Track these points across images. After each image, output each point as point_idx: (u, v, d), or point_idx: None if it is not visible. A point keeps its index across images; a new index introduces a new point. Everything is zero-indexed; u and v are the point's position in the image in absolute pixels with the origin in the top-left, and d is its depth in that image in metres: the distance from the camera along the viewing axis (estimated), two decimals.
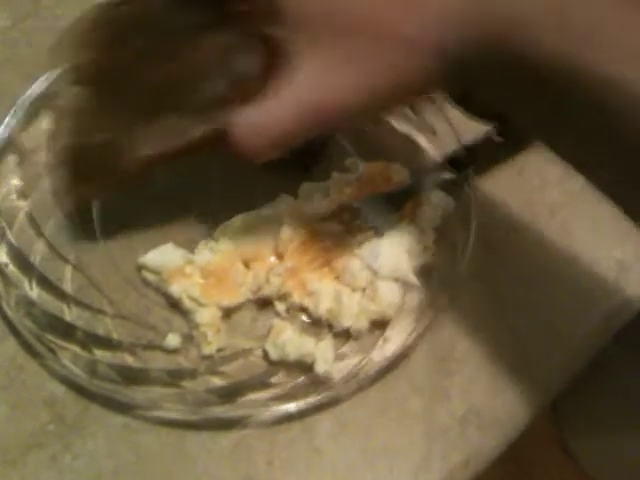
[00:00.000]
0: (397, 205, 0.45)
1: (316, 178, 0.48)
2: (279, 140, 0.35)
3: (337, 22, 0.32)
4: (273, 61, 0.34)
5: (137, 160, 0.38)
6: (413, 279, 0.44)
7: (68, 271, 0.44)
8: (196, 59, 0.38)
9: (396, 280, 0.43)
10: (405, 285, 0.44)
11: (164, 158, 0.38)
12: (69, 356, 0.40)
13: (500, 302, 0.46)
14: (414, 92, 0.36)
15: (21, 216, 0.46)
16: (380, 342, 0.42)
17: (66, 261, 0.44)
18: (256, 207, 0.46)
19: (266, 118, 0.34)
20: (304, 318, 0.43)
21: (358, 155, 0.49)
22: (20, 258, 0.44)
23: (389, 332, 0.43)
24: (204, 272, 0.43)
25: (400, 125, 0.51)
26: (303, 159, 0.49)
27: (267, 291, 0.43)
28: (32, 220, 0.46)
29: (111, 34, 0.40)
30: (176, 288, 0.42)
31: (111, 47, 0.40)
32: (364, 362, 0.41)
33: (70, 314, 0.43)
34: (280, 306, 0.43)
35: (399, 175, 0.47)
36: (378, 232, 0.44)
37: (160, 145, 0.38)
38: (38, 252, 0.45)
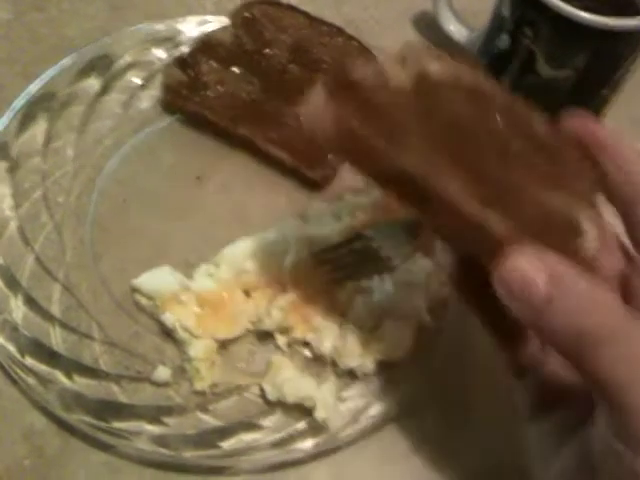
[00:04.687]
0: (413, 236, 0.42)
1: (326, 197, 0.45)
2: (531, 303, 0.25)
3: None
4: None
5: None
6: (426, 317, 0.40)
7: (56, 290, 0.41)
8: None
9: (407, 319, 0.40)
10: (417, 324, 0.40)
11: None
12: (50, 385, 0.37)
13: None
14: None
15: (11, 227, 0.43)
16: (386, 386, 0.39)
17: (55, 279, 0.41)
18: (261, 229, 0.43)
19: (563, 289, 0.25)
20: (306, 353, 0.40)
21: None
22: (7, 274, 0.41)
23: (397, 376, 0.39)
24: (201, 300, 0.40)
25: None
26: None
27: (268, 324, 0.40)
28: (22, 233, 0.43)
29: None
30: (170, 317, 0.39)
31: None
32: (367, 408, 0.38)
33: (55, 337, 0.40)
34: (281, 339, 0.40)
35: None
36: (390, 264, 0.41)
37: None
38: (26, 268, 0.42)
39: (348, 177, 0.46)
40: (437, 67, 0.33)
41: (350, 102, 0.30)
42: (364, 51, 0.52)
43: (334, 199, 0.45)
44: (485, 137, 0.31)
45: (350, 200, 0.44)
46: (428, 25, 0.58)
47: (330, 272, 0.40)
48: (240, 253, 0.41)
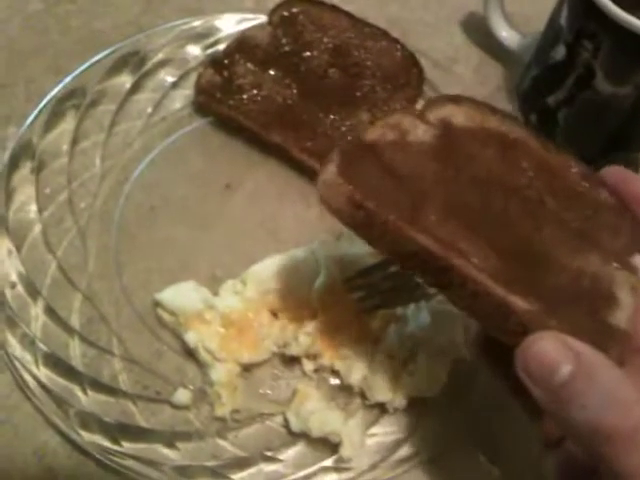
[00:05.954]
0: None
1: None
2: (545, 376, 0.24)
3: None
4: None
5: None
6: (464, 352, 0.38)
7: (77, 300, 0.40)
8: None
9: (443, 352, 0.37)
10: (454, 358, 0.38)
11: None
12: (65, 402, 0.36)
13: None
14: None
15: (35, 231, 0.42)
16: (417, 424, 0.37)
17: (76, 288, 0.40)
18: (291, 243, 0.41)
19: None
20: (334, 381, 0.38)
21: None
22: (28, 281, 0.39)
23: (429, 413, 0.37)
24: (226, 320, 0.38)
25: None
26: None
27: (294, 349, 0.38)
28: (45, 238, 0.41)
29: None
30: (193, 336, 0.37)
31: None
32: (395, 447, 0.36)
33: (74, 350, 0.38)
34: (308, 365, 0.38)
35: None
36: (427, 291, 0.38)
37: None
38: (48, 275, 0.40)
39: None
40: (462, 117, 0.30)
41: (365, 171, 0.28)
42: (408, 56, 0.50)
43: None
44: (513, 195, 0.29)
45: None
46: (477, 28, 0.55)
47: (363, 299, 0.37)
48: (268, 272, 0.39)
